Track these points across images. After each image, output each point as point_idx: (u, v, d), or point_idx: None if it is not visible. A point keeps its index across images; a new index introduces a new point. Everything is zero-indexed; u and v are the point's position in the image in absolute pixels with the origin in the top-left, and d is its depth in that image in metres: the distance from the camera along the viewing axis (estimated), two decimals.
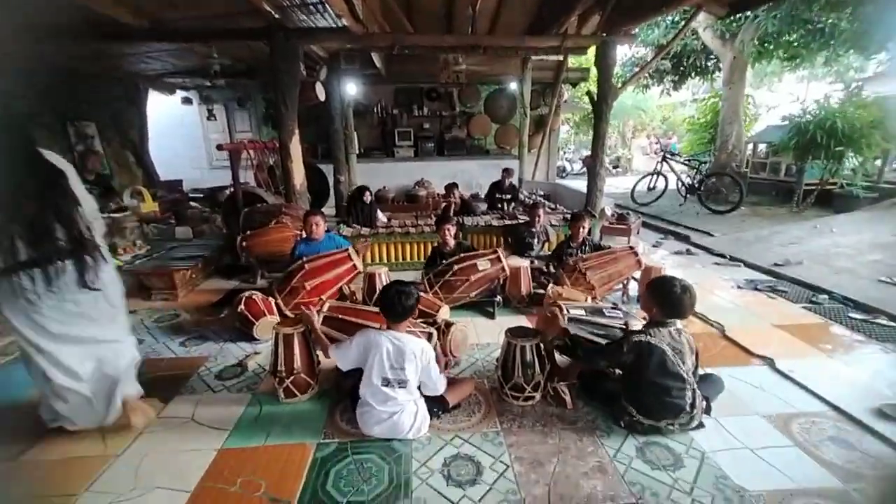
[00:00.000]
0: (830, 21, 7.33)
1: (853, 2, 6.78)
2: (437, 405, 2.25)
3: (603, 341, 2.38)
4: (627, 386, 2.19)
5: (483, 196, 6.92)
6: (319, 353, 2.49)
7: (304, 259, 3.52)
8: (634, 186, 9.18)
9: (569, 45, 5.28)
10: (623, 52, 11.82)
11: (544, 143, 8.76)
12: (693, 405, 2.08)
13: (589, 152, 7.54)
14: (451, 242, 3.94)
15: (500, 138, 9.53)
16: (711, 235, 6.29)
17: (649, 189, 8.97)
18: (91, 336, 2.06)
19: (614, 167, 16.76)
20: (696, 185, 8.31)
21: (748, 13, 7.48)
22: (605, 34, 5.00)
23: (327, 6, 3.75)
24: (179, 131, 8.88)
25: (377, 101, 8.90)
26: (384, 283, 3.18)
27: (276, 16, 3.90)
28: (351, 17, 4.07)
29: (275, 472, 1.93)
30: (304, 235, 3.84)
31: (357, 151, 7.90)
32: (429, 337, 2.52)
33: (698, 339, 2.33)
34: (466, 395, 2.44)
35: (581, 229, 4.04)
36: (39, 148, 1.96)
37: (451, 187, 6.00)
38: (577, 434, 2.17)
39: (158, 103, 8.07)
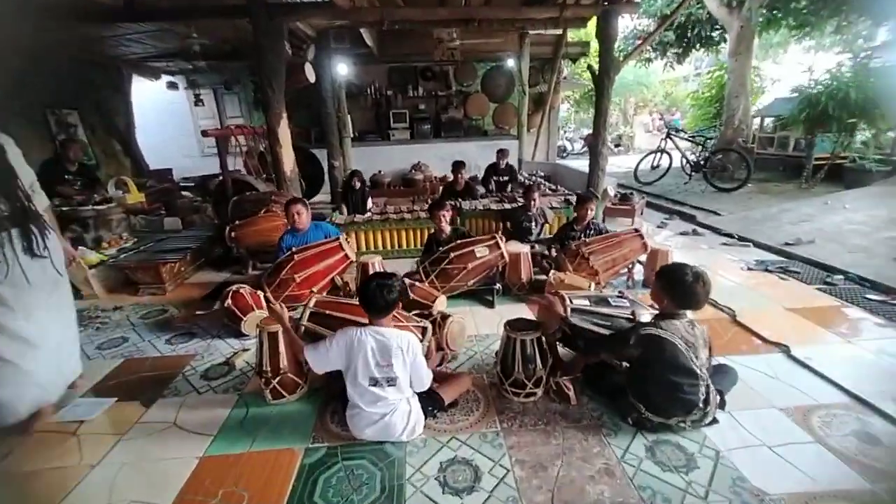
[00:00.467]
0: None
1: None
2: (431, 404, 2.10)
3: (608, 333, 2.23)
4: (634, 380, 2.05)
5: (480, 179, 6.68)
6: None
7: (294, 249, 3.37)
8: (637, 165, 8.95)
9: (568, 15, 5.01)
10: (624, 25, 11.42)
11: (544, 122, 8.48)
12: (707, 401, 1.93)
13: (590, 131, 7.28)
14: (447, 229, 3.76)
15: (499, 118, 9.22)
16: (718, 214, 6.08)
17: (653, 167, 8.69)
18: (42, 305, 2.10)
19: (616, 146, 16.34)
20: (702, 163, 8.01)
21: None
22: (606, 3, 4.71)
23: None
24: (168, 118, 8.64)
25: (370, 81, 8.60)
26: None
27: None
28: None
29: (259, 482, 1.81)
30: (289, 227, 3.65)
31: (351, 135, 7.65)
32: (423, 331, 2.37)
33: (707, 324, 2.17)
34: (463, 391, 2.29)
35: (588, 212, 3.85)
36: None
37: (458, 165, 5.64)
38: (582, 433, 2.03)
39: (145, 89, 7.80)
